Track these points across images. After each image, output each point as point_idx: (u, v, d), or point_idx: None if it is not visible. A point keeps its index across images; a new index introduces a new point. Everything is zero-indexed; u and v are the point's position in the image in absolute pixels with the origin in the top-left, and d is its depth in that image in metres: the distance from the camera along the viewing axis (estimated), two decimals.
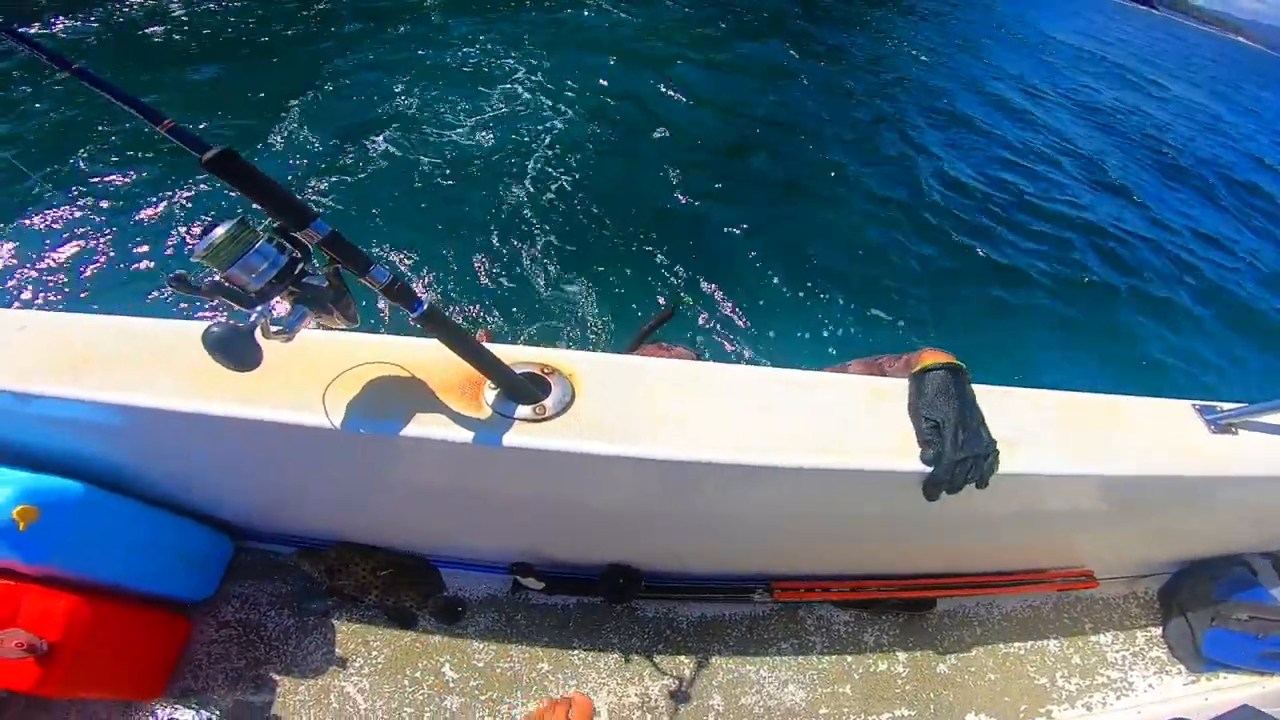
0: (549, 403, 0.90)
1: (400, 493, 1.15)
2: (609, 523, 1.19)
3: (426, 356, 0.95)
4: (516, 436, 0.88)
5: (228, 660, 1.34)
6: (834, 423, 0.97)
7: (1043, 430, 1.02)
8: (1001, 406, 1.02)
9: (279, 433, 0.90)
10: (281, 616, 1.40)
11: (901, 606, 1.39)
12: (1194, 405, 1.13)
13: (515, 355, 0.97)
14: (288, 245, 0.70)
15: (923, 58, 9.48)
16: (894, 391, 1.03)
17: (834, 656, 1.39)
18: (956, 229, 4.76)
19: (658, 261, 3.68)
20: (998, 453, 0.93)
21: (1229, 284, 5.21)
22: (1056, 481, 1.00)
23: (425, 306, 0.74)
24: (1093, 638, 1.46)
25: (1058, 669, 1.43)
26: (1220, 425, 1.10)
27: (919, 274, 4.15)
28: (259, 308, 0.69)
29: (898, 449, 0.95)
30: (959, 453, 0.89)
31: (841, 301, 3.67)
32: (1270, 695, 1.43)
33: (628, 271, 3.57)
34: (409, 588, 1.38)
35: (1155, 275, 4.95)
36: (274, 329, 0.71)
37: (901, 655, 1.40)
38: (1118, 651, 1.46)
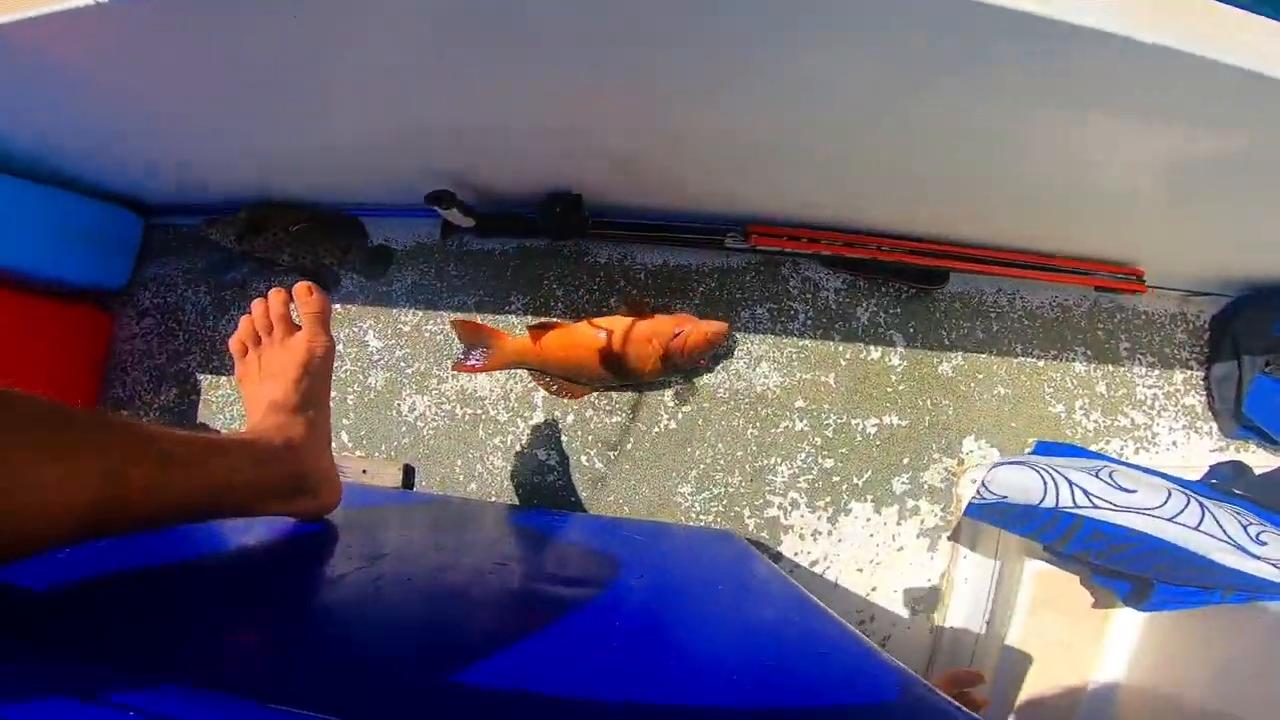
0: None
1: (296, 113, 0.90)
2: (529, 108, 0.85)
3: None
4: None
5: (150, 357, 1.29)
6: None
7: None
8: None
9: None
10: (198, 294, 1.30)
11: (906, 275, 1.14)
12: None
13: None
14: None
15: None
16: None
17: (820, 333, 1.17)
18: None
19: None
20: None
21: None
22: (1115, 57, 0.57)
23: None
24: (1125, 364, 1.22)
25: (1079, 396, 1.21)
26: None
27: None
28: None
29: None
30: None
31: None
32: None
33: None
34: (327, 241, 1.22)
35: None
36: None
37: (900, 344, 1.18)
38: (1150, 388, 1.24)
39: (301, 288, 0.72)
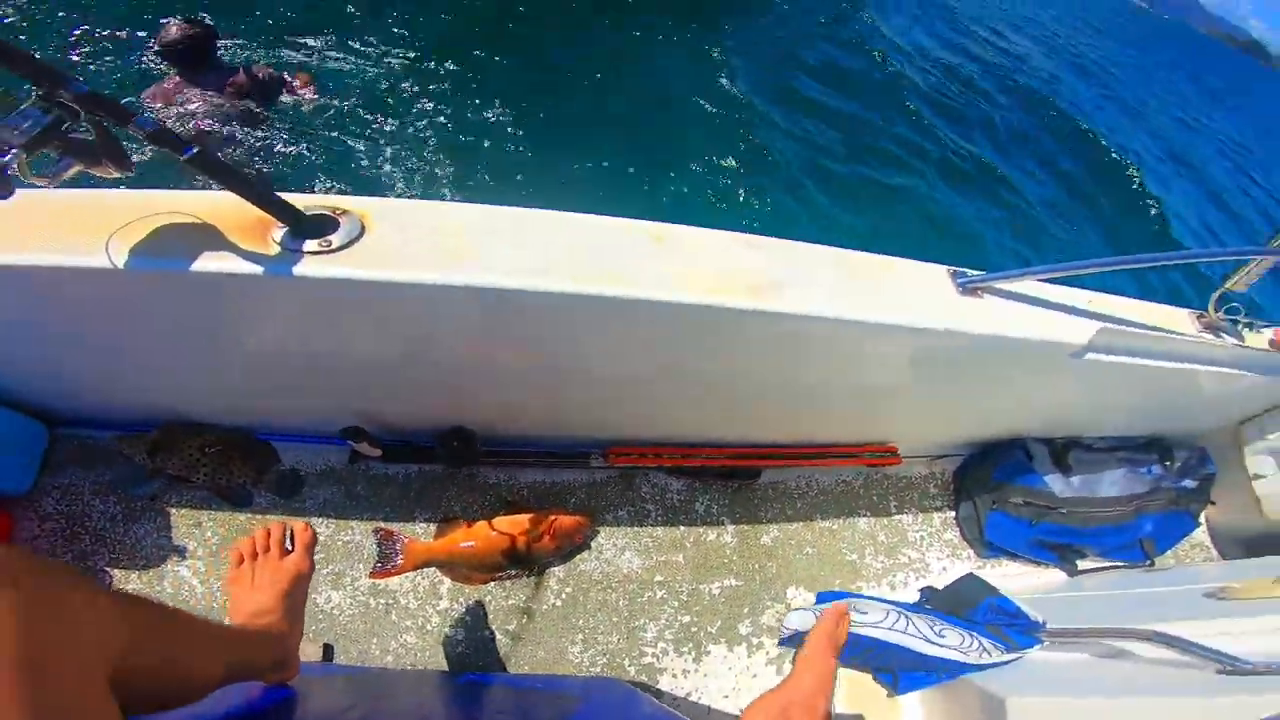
0: (335, 237, 0.92)
1: (209, 352, 1.15)
2: (429, 373, 1.21)
3: (219, 204, 0.94)
4: (304, 268, 0.89)
5: (53, 555, 1.29)
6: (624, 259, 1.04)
7: (816, 278, 1.10)
8: (788, 258, 1.12)
9: (62, 281, 0.90)
10: (107, 504, 1.35)
11: (729, 475, 1.52)
12: (948, 270, 1.24)
13: (305, 200, 0.97)
14: (53, 108, 0.72)
15: None
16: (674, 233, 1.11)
17: (668, 524, 1.51)
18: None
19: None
20: None
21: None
22: (825, 324, 1.07)
23: (195, 150, 0.76)
24: (897, 516, 1.66)
25: (866, 546, 1.62)
26: (967, 288, 1.20)
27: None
28: (13, 149, 0.69)
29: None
30: None
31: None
32: (1048, 579, 1.65)
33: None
34: (242, 463, 1.36)
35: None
36: (34, 174, 0.71)
37: (730, 525, 1.54)
38: (917, 531, 1.67)
39: (299, 525, 1.00)
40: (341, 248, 0.91)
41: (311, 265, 0.90)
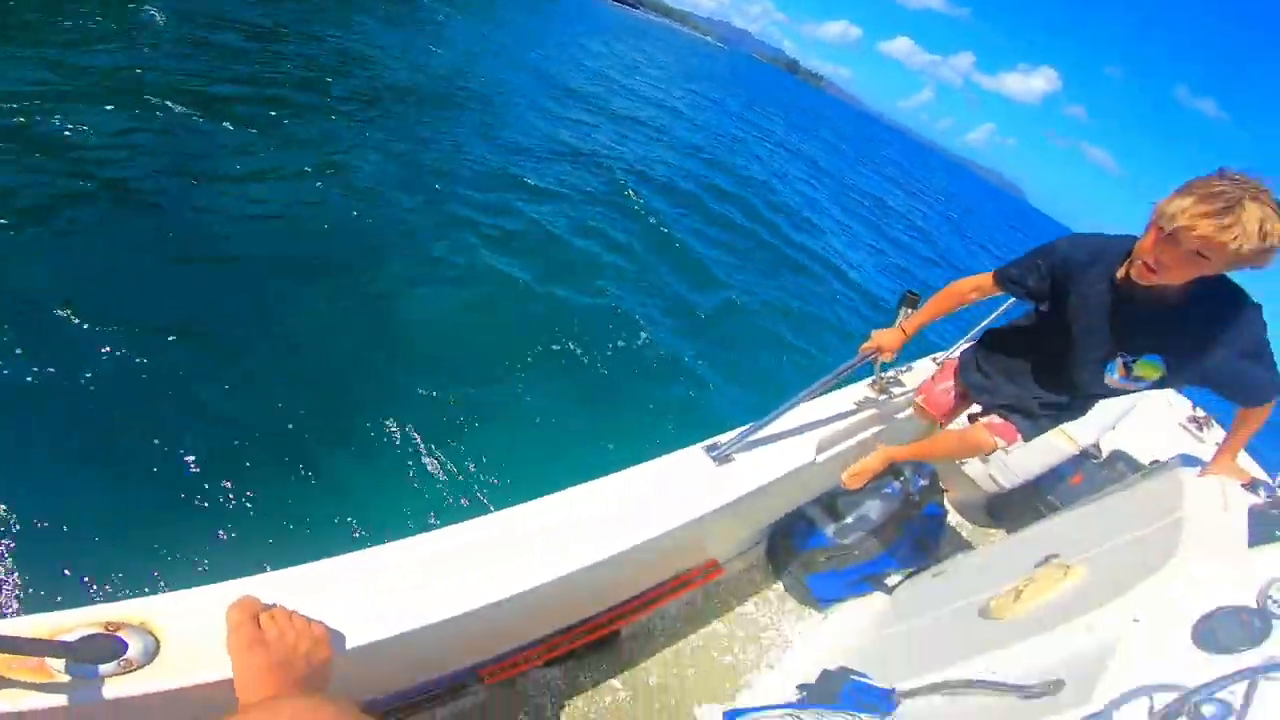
0: (133, 655, 0.84)
1: None
2: None
3: None
4: (118, 688, 0.81)
5: None
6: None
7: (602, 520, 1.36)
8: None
9: None
10: None
11: (597, 644, 1.70)
12: (702, 446, 1.62)
13: (59, 622, 0.85)
14: None
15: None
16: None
17: (565, 710, 1.64)
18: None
19: None
20: None
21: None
22: (619, 560, 1.34)
23: None
24: (740, 610, 1.96)
25: (733, 645, 1.88)
26: (722, 458, 1.59)
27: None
28: None
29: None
30: None
31: None
32: (877, 606, 2.02)
33: None
34: None
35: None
36: None
37: (617, 683, 1.71)
38: (763, 613, 1.98)
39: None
40: (146, 663, 0.85)
41: (128, 684, 0.82)
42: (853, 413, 1.96)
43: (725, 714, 1.71)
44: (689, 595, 1.90)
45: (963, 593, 1.81)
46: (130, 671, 0.83)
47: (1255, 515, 1.34)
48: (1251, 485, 1.47)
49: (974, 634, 1.55)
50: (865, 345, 1.84)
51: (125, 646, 0.85)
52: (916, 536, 2.25)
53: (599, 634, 1.69)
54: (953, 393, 2.00)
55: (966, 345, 2.11)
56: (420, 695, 1.55)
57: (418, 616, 1.08)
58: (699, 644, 1.85)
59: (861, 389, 2.09)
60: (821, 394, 1.86)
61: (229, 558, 2.38)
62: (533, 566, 1.28)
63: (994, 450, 1.80)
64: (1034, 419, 1.77)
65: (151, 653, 0.86)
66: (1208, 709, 0.81)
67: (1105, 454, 2.85)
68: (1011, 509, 2.80)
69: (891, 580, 2.21)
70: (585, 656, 1.72)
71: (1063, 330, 1.57)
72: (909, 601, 1.99)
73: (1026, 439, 1.78)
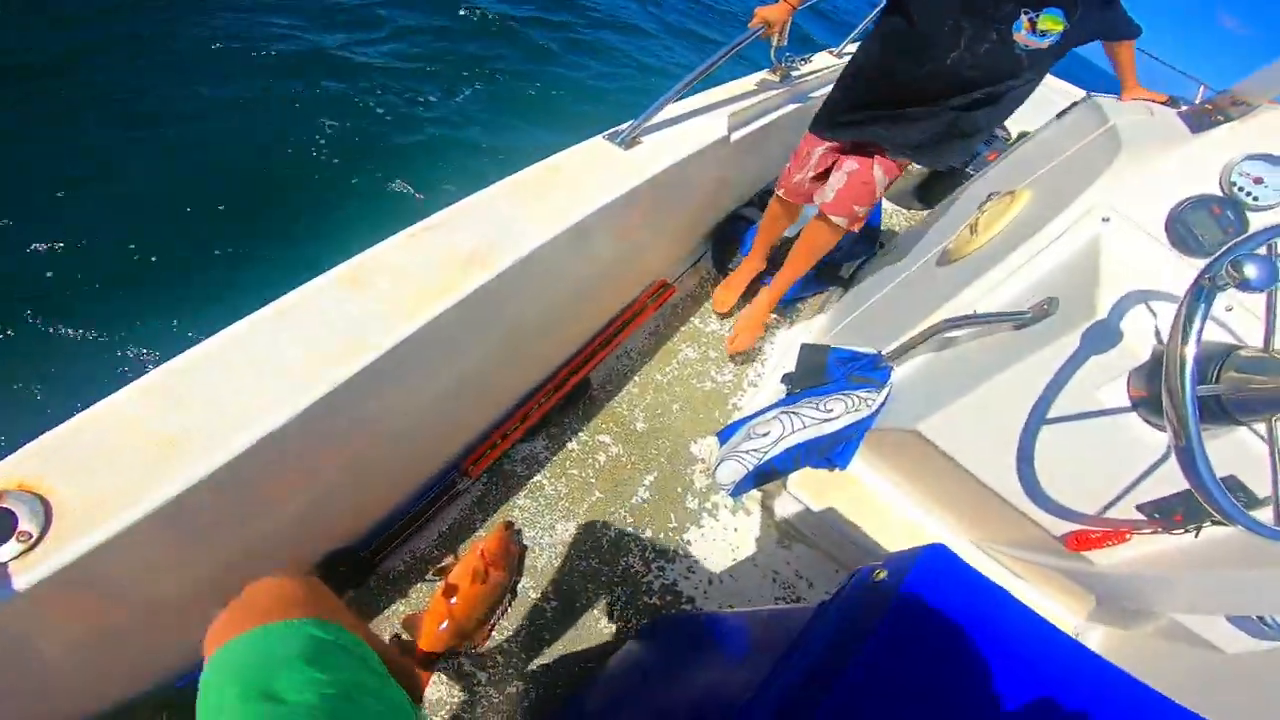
0: (28, 526, 0.71)
1: None
2: (268, 540, 1.04)
3: None
4: (28, 575, 0.69)
5: None
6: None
7: (514, 220, 1.13)
8: (469, 214, 1.12)
9: None
10: None
11: (569, 400, 1.56)
12: (603, 135, 1.40)
13: None
14: None
15: None
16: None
17: (562, 477, 1.51)
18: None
19: None
20: None
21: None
22: (544, 252, 1.11)
23: None
24: (704, 327, 1.83)
25: (708, 369, 1.77)
26: (628, 141, 1.38)
27: None
28: None
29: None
30: None
31: None
32: (838, 298, 1.92)
33: None
34: None
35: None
36: None
37: (606, 438, 1.58)
38: (728, 327, 1.87)
39: None
40: (44, 534, 0.71)
41: (39, 567, 0.69)
42: (756, 93, 1.77)
43: (719, 434, 1.63)
44: (648, 324, 1.76)
45: (917, 255, 1.75)
46: (33, 545, 0.70)
47: (1186, 116, 1.31)
48: (1170, 102, 1.48)
49: (941, 281, 1.49)
50: (752, 22, 1.63)
51: (14, 518, 0.72)
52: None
53: (569, 387, 1.55)
54: (811, 175, 1.69)
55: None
56: (418, 507, 1.41)
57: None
58: (675, 374, 1.74)
59: (761, 75, 1.92)
60: (717, 80, 1.68)
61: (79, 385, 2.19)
62: (478, 325, 1.09)
63: (845, 231, 1.62)
64: (913, 144, 1.51)
65: (45, 517, 0.72)
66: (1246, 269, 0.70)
67: (1014, 134, 2.87)
68: (940, 186, 2.80)
69: (846, 273, 2.16)
70: (563, 418, 1.57)
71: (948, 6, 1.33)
72: (869, 282, 1.93)
73: (927, 164, 1.58)
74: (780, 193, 1.74)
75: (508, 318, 1.17)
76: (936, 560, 0.60)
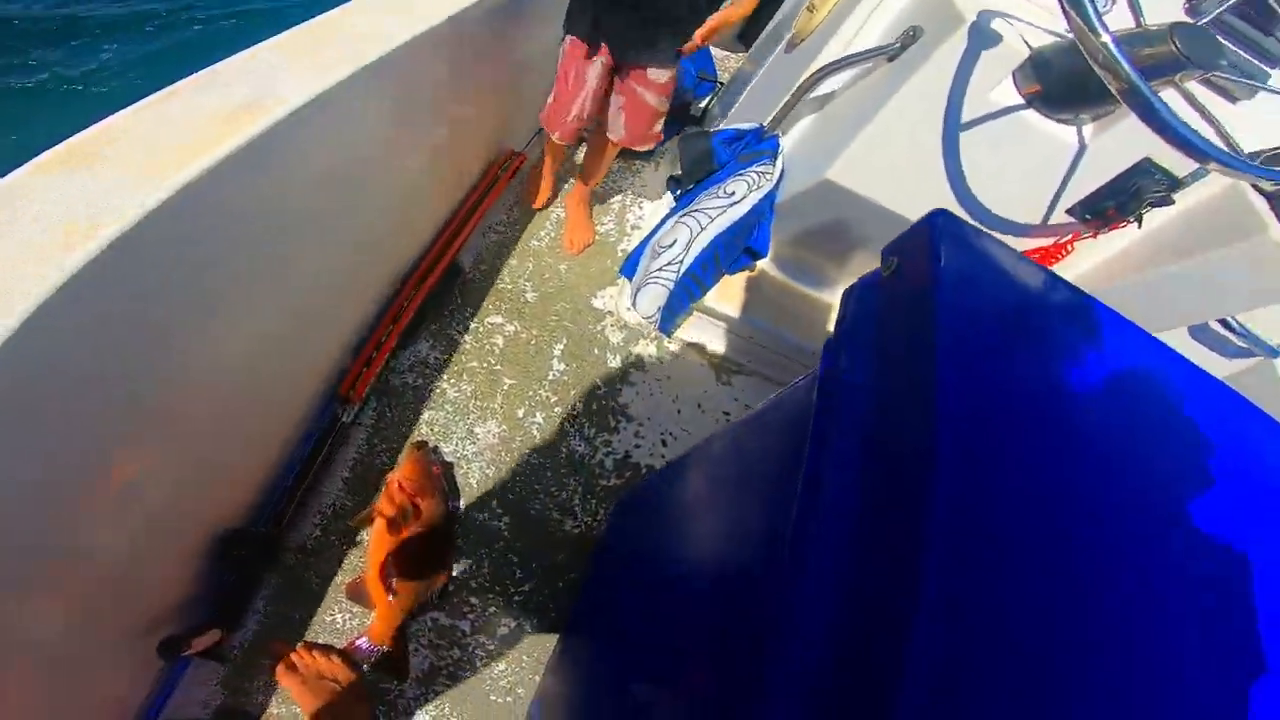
0: None
1: None
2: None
3: None
4: None
5: None
6: None
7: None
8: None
9: None
10: None
11: (443, 289, 1.35)
12: None
13: None
14: None
15: None
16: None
17: (465, 375, 1.31)
18: None
19: None
20: None
21: None
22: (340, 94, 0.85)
23: None
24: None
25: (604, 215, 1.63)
26: None
27: None
28: None
29: None
30: None
31: None
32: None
33: None
34: None
35: None
36: None
37: (497, 319, 1.39)
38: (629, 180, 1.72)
39: None
40: None
41: None
42: None
43: (622, 268, 1.48)
44: (507, 195, 1.57)
45: (763, 56, 1.65)
46: None
47: None
48: None
49: (798, 58, 1.36)
50: None
51: None
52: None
53: (437, 274, 1.33)
54: (586, 109, 1.32)
55: None
56: (305, 455, 1.15)
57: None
58: (552, 236, 1.55)
59: None
60: None
61: None
62: (273, 199, 0.82)
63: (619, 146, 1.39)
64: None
65: None
66: None
67: None
68: (759, 25, 2.74)
69: (696, 111, 2.04)
70: (442, 310, 1.35)
71: None
72: (729, 95, 1.83)
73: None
74: (555, 136, 1.35)
75: (327, 193, 0.92)
76: (948, 231, 0.48)
